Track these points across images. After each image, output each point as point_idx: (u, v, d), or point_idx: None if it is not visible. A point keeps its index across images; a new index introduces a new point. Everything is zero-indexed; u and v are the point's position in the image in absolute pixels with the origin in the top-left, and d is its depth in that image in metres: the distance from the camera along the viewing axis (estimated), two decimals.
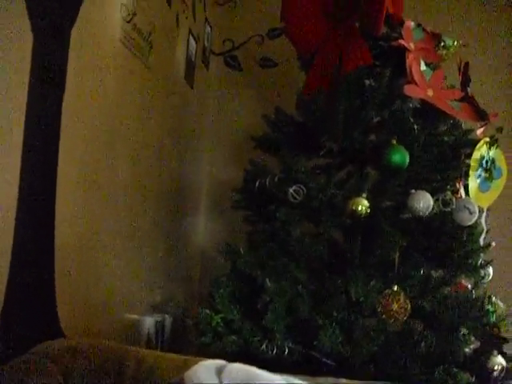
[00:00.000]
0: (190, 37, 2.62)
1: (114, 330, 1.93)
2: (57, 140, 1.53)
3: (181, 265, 2.70)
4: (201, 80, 2.83)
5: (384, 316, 1.85)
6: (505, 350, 1.96)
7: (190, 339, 2.00)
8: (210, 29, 2.94)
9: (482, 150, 2.03)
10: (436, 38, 2.12)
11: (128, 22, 1.90)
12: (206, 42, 2.90)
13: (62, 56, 1.54)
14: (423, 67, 2.05)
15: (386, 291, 1.86)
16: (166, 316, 2.29)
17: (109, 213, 1.88)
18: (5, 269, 1.34)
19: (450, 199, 1.96)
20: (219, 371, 0.76)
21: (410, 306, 1.86)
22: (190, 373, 0.75)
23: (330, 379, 1.34)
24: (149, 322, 2.15)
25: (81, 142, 1.66)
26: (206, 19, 2.88)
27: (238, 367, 0.78)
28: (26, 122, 1.38)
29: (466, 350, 1.93)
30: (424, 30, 2.12)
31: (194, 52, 2.69)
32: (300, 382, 0.84)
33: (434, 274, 2.01)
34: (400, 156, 1.93)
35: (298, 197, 1.96)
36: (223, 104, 3.07)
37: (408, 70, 2.02)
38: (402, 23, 2.12)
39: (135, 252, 2.14)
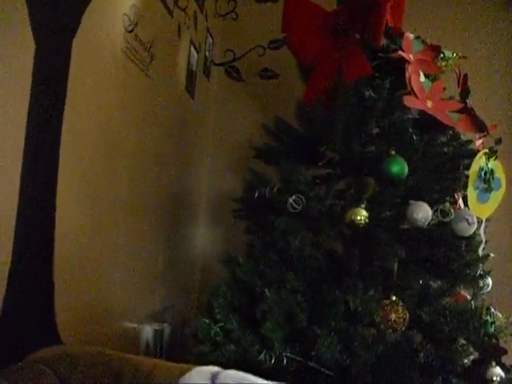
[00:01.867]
0: (192, 47, 2.64)
1: (112, 338, 1.93)
2: (57, 149, 1.54)
3: (180, 274, 2.71)
4: (202, 90, 2.85)
5: (382, 326, 1.85)
6: (503, 361, 1.95)
7: (188, 348, 2.00)
8: (211, 39, 2.97)
9: (480, 162, 2.03)
10: (435, 49, 2.13)
11: (130, 32, 1.92)
12: (207, 53, 2.93)
13: (64, 66, 1.55)
14: (422, 79, 2.06)
15: (385, 301, 1.86)
16: (165, 325, 2.29)
17: (109, 222, 1.89)
18: (4, 276, 1.35)
19: (449, 210, 1.96)
20: (214, 377, 0.76)
21: (408, 316, 1.86)
22: (184, 378, 0.76)
23: None
24: (147, 331, 2.15)
25: (81, 152, 1.67)
26: (208, 30, 2.90)
27: (232, 374, 0.79)
28: (28, 130, 1.39)
29: (465, 360, 1.93)
30: (423, 41, 2.14)
31: (195, 62, 2.71)
32: None
33: (432, 284, 2.01)
34: (399, 167, 1.94)
35: (297, 206, 1.97)
36: (224, 114, 3.09)
37: (407, 81, 2.03)
38: (401, 35, 2.13)
39: (135, 261, 2.14)
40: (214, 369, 0.79)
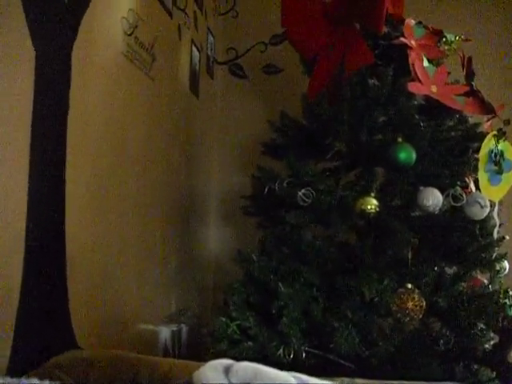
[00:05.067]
0: (193, 47, 2.64)
1: (130, 341, 1.93)
2: (63, 157, 1.54)
3: (194, 274, 2.71)
4: (206, 89, 2.84)
5: (399, 315, 1.84)
6: None
7: (206, 347, 2.00)
8: (212, 38, 2.96)
9: (490, 144, 2.01)
10: (437, 34, 2.11)
11: (129, 35, 1.92)
12: (209, 52, 2.92)
13: (65, 72, 1.55)
14: (426, 64, 2.04)
15: (400, 290, 1.85)
16: (182, 325, 2.29)
17: (120, 225, 1.89)
18: (17, 283, 1.35)
19: (461, 194, 1.95)
20: (227, 370, 0.76)
21: (425, 303, 1.84)
22: (198, 372, 0.76)
23: (346, 379, 1.33)
24: (165, 332, 2.15)
25: (88, 158, 1.67)
26: (208, 29, 2.90)
27: (245, 365, 0.78)
28: (32, 141, 1.39)
29: (485, 345, 1.91)
30: (425, 26, 2.12)
31: (197, 62, 2.70)
32: (308, 377, 0.84)
33: (448, 270, 2.00)
34: (406, 153, 1.92)
35: (307, 200, 1.96)
36: (229, 112, 3.09)
37: (411, 67, 2.02)
38: (402, 22, 2.12)
39: (148, 263, 2.14)
40: (227, 361, 0.79)
